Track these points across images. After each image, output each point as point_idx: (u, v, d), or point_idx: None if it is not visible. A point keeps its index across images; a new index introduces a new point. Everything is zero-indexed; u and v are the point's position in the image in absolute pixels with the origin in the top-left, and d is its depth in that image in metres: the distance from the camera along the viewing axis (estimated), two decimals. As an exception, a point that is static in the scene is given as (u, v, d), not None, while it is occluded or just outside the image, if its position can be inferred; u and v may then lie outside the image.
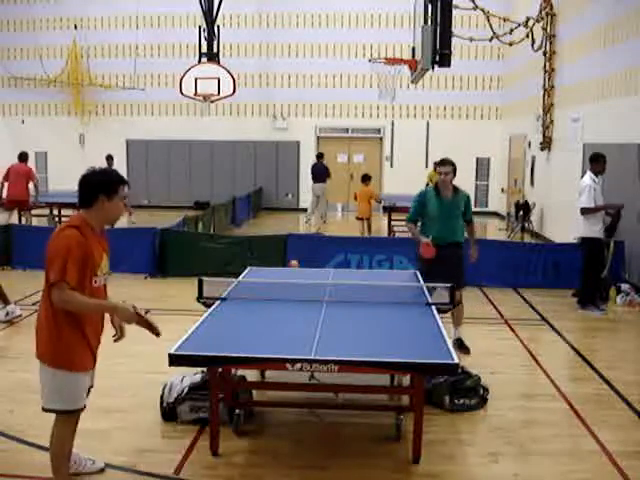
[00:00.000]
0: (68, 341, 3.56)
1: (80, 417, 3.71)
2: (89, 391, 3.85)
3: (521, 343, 7.07)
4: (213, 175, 20.42)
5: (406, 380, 5.14)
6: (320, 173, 16.96)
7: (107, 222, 3.79)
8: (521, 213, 15.10)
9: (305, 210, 17.81)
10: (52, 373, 3.57)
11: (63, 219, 14.64)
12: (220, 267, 9.12)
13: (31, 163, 20.58)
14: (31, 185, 13.37)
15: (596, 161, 8.36)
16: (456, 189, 6.65)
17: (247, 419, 4.78)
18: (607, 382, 5.89)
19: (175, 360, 3.94)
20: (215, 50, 16.86)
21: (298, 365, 3.90)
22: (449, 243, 6.52)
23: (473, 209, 6.97)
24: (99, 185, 3.64)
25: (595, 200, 8.19)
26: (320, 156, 17.43)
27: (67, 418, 3.64)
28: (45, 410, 3.65)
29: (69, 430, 3.68)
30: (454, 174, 6.54)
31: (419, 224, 6.77)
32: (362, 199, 14.07)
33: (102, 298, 3.72)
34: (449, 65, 8.63)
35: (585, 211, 8.18)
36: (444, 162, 6.57)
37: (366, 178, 14.25)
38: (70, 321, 3.55)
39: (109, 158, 16.02)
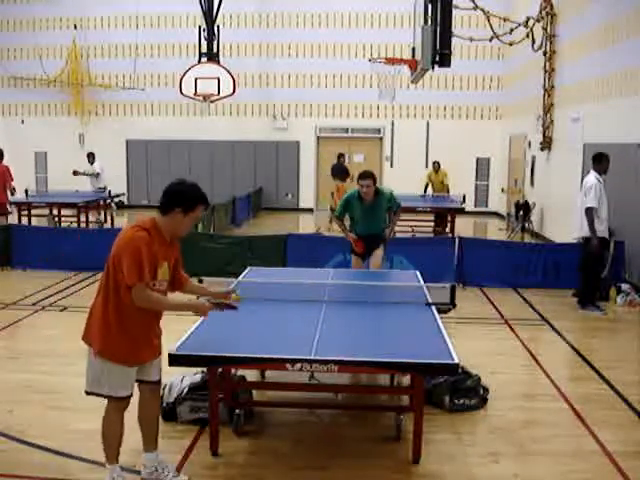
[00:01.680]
0: (116, 335, 3.71)
1: (129, 405, 3.90)
2: (159, 385, 4.06)
3: (521, 343, 7.07)
4: (213, 175, 20.39)
5: (406, 380, 5.14)
6: (339, 173, 17.05)
7: (174, 235, 3.85)
8: (521, 213, 15.10)
9: (306, 210, 17.75)
10: (94, 360, 3.76)
11: (63, 219, 14.62)
12: (220, 267, 9.13)
13: (31, 163, 20.96)
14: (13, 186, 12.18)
15: (600, 161, 8.35)
16: (378, 193, 7.30)
17: (247, 419, 4.78)
18: (607, 382, 5.89)
19: (175, 360, 3.95)
20: (215, 50, 16.83)
21: (298, 365, 3.90)
22: (371, 234, 7.43)
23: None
24: (180, 198, 3.75)
25: (600, 199, 8.18)
26: (340, 156, 17.46)
27: (114, 404, 3.83)
28: (86, 393, 3.85)
29: (115, 415, 3.86)
30: (374, 183, 7.23)
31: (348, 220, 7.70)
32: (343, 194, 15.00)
33: None
34: (449, 65, 8.61)
35: (589, 212, 8.14)
36: (364, 175, 7.21)
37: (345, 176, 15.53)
38: (122, 319, 3.71)
39: (90, 155, 15.52)
